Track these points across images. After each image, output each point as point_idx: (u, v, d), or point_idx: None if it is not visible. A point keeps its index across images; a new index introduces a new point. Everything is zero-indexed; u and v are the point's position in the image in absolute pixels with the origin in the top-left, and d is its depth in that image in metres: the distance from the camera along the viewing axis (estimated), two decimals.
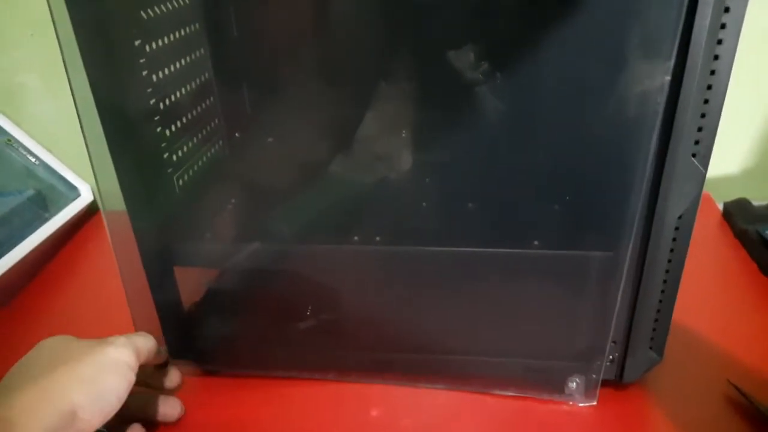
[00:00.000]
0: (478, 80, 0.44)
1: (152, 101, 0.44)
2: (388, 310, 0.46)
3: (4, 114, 0.75)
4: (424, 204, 0.47)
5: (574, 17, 0.39)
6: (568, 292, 0.42)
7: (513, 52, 0.43)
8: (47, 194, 0.74)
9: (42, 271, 0.66)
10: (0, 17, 0.71)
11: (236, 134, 0.55)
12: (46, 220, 0.69)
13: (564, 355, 0.44)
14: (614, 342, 0.42)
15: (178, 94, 0.47)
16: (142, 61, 0.42)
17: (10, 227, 0.65)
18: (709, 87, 0.34)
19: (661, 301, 0.40)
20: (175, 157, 0.47)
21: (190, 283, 0.50)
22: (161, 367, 0.46)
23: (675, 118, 0.34)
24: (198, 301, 0.52)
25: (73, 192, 0.76)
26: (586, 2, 0.38)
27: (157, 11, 0.44)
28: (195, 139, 0.50)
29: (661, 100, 0.34)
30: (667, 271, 0.39)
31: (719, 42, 0.33)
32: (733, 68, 0.33)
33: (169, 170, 0.46)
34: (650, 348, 0.42)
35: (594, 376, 0.43)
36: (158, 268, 0.46)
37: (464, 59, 0.44)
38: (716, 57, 0.33)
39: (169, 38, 0.45)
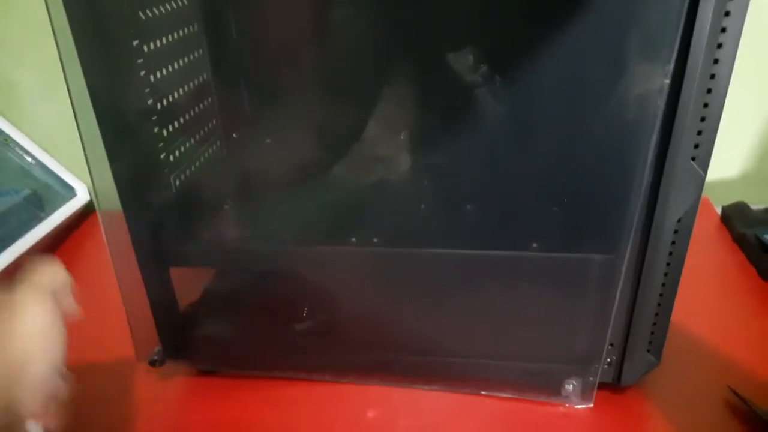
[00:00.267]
0: (477, 83, 0.44)
1: (150, 101, 0.44)
2: (386, 312, 0.46)
3: (2, 114, 0.75)
4: (422, 206, 0.47)
5: (574, 22, 0.39)
6: (567, 295, 0.42)
7: (513, 56, 0.43)
8: (43, 194, 0.73)
9: None
10: None
11: (234, 135, 0.55)
12: (42, 219, 0.69)
13: (561, 357, 0.44)
14: (612, 345, 0.42)
15: (175, 94, 0.47)
16: (139, 61, 0.42)
17: (7, 226, 0.65)
18: (709, 91, 0.34)
19: (659, 305, 0.40)
20: (172, 158, 0.47)
21: (187, 284, 0.50)
22: None
23: (675, 121, 0.34)
24: (194, 301, 0.51)
25: (70, 192, 0.76)
26: (586, 7, 0.38)
27: (156, 12, 0.44)
28: (192, 140, 0.50)
29: (661, 103, 0.34)
30: (665, 275, 0.39)
31: (719, 46, 0.33)
32: (733, 71, 0.33)
33: (166, 170, 0.46)
34: (648, 351, 0.42)
35: (591, 378, 0.43)
36: (154, 268, 0.45)
37: (464, 62, 0.44)
38: (716, 61, 0.33)
39: (167, 39, 0.45)
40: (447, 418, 0.44)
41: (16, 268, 0.61)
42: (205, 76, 0.51)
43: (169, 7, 0.45)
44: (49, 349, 0.35)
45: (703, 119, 0.35)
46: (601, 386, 0.43)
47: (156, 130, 0.45)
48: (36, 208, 0.71)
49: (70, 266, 0.67)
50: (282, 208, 0.48)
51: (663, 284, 0.39)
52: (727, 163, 0.73)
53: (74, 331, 0.56)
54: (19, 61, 0.74)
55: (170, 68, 0.46)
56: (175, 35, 0.46)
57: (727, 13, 0.32)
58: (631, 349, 0.41)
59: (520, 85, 0.44)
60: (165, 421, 0.46)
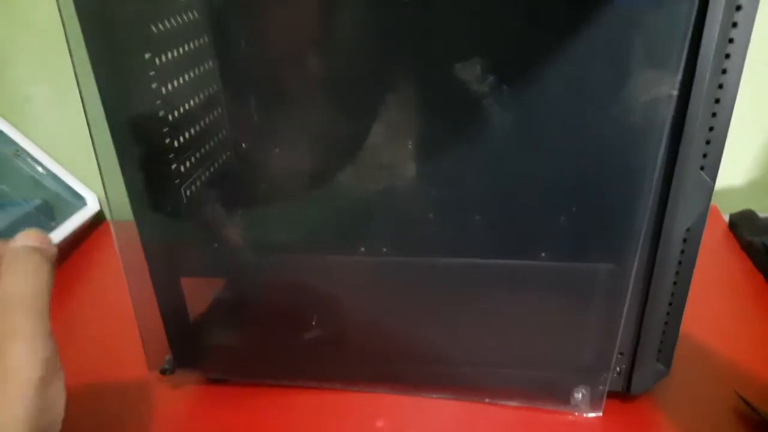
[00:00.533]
0: (484, 93, 0.44)
1: (161, 113, 0.44)
2: (395, 321, 0.46)
3: (13, 125, 0.76)
4: (430, 215, 0.47)
5: (581, 31, 0.39)
6: (575, 304, 0.42)
7: (521, 66, 0.43)
8: (54, 204, 0.74)
9: None
10: (8, 30, 0.72)
11: (243, 145, 0.56)
12: (52, 229, 0.70)
13: (570, 366, 0.44)
14: (621, 354, 0.42)
15: (186, 105, 0.47)
16: (151, 73, 0.43)
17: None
18: (717, 101, 0.34)
19: (668, 314, 0.40)
20: (183, 168, 0.47)
21: (196, 293, 0.50)
22: None
23: (683, 130, 0.35)
24: (204, 310, 0.52)
25: (80, 201, 0.76)
26: (593, 16, 0.38)
27: (167, 25, 0.44)
28: (203, 150, 0.50)
29: (669, 112, 0.35)
30: (674, 284, 0.39)
31: (727, 56, 0.33)
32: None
33: (177, 181, 0.46)
34: (657, 360, 0.42)
35: (600, 387, 0.43)
36: (165, 278, 0.46)
37: (471, 72, 0.45)
38: (724, 71, 0.33)
39: (178, 51, 0.46)
40: (456, 428, 0.44)
41: None
42: (214, 87, 0.52)
43: (180, 20, 0.46)
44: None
45: (711, 129, 0.35)
46: (611, 395, 0.43)
47: (167, 141, 0.45)
48: (47, 217, 0.71)
49: (80, 274, 0.68)
50: (292, 218, 0.48)
51: (672, 293, 0.39)
52: (735, 170, 0.73)
53: (84, 339, 0.57)
54: (30, 75, 0.75)
55: (181, 80, 0.46)
56: (186, 48, 0.47)
57: (735, 24, 0.32)
58: (641, 358, 0.41)
59: (528, 94, 0.44)
60: (174, 429, 0.46)
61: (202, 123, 0.50)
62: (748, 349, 0.49)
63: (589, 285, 0.41)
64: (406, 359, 0.47)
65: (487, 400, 0.46)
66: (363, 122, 0.48)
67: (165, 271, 0.45)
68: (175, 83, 0.46)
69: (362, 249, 0.44)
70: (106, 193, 0.41)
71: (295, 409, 0.46)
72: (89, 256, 0.72)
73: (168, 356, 0.48)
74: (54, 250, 0.34)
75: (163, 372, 0.47)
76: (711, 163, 0.36)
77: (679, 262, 0.38)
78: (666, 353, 0.41)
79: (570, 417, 0.44)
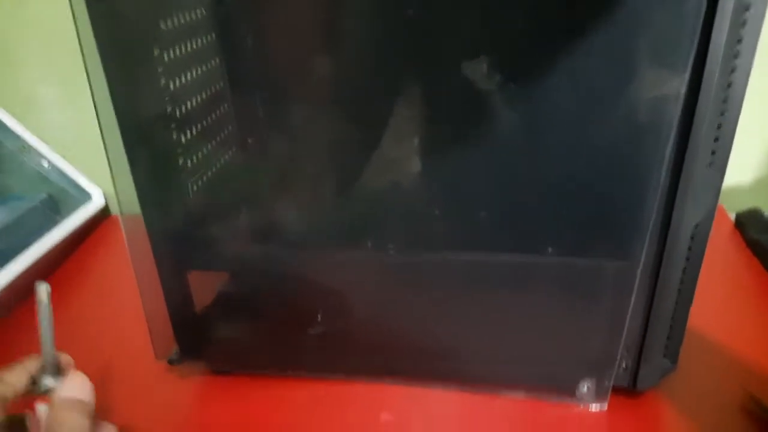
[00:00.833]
0: (491, 90, 0.44)
1: (169, 109, 0.44)
2: (401, 316, 0.46)
3: (19, 120, 0.76)
4: (437, 211, 0.48)
5: (590, 29, 0.39)
6: (582, 299, 0.42)
7: (529, 63, 0.43)
8: (59, 198, 0.74)
9: (54, 274, 0.67)
10: (15, 27, 0.72)
11: (249, 140, 0.56)
12: (58, 223, 0.70)
13: (576, 359, 0.44)
14: (627, 349, 0.42)
15: (193, 101, 0.47)
16: (160, 69, 0.43)
17: (24, 230, 0.66)
18: (726, 99, 0.34)
19: (675, 310, 0.40)
20: (189, 163, 0.47)
21: (202, 285, 0.51)
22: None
23: (692, 128, 0.35)
24: (210, 303, 0.52)
25: (85, 196, 0.77)
26: (602, 17, 0.38)
27: (175, 22, 0.44)
28: (209, 146, 0.50)
29: (677, 109, 0.35)
30: (681, 281, 0.39)
31: (736, 55, 0.33)
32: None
33: (184, 176, 0.47)
34: (664, 356, 0.42)
35: (606, 382, 0.43)
36: (171, 272, 0.46)
37: (477, 70, 0.45)
38: (733, 69, 0.33)
39: (185, 47, 0.46)
40: (461, 419, 0.44)
41: (33, 270, 0.62)
42: (221, 83, 0.52)
43: (188, 17, 0.46)
44: None
45: (719, 126, 0.35)
46: (617, 390, 0.43)
47: (175, 136, 0.45)
48: (52, 211, 0.71)
49: (86, 268, 0.68)
50: (297, 213, 0.48)
51: (679, 290, 0.39)
52: (741, 169, 0.73)
53: (91, 331, 0.57)
54: (36, 71, 0.75)
55: (189, 76, 0.47)
56: (194, 44, 0.47)
57: (743, 23, 0.32)
58: (647, 353, 0.42)
59: (536, 91, 0.45)
60: (180, 420, 0.46)
61: (209, 119, 0.50)
62: (754, 345, 0.49)
63: (595, 280, 0.41)
64: (411, 352, 0.47)
65: (492, 392, 0.46)
66: (370, 119, 0.48)
67: (171, 264, 0.46)
68: (183, 79, 0.46)
69: (369, 244, 0.44)
70: (115, 187, 0.41)
71: (300, 401, 0.47)
72: (94, 250, 0.72)
73: (176, 347, 0.48)
74: (92, 405, 0.37)
75: (171, 362, 0.48)
76: (719, 161, 0.36)
77: (687, 259, 0.38)
78: (672, 349, 0.42)
79: (576, 410, 0.44)
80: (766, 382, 0.45)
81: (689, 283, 0.39)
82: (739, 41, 0.33)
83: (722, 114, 0.35)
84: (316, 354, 0.49)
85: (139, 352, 0.51)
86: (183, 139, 0.47)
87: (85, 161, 0.78)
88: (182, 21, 0.45)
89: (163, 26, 0.43)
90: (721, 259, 0.61)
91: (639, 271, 0.39)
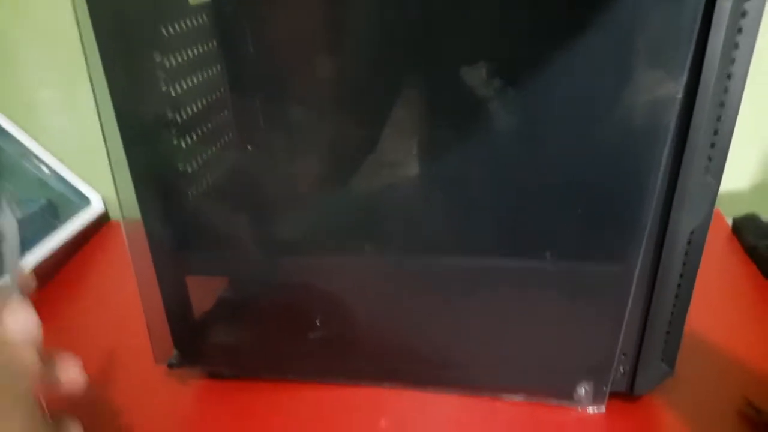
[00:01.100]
0: (489, 95, 0.45)
1: (169, 114, 0.44)
2: (400, 320, 0.46)
3: (19, 126, 0.76)
4: (435, 215, 0.48)
5: (586, 33, 0.39)
6: (579, 303, 0.42)
7: (526, 67, 0.43)
8: (59, 204, 0.74)
9: (53, 279, 0.67)
10: (15, 32, 0.73)
11: (248, 147, 0.56)
12: (57, 228, 0.70)
13: (573, 363, 0.44)
14: (625, 354, 0.42)
15: (194, 107, 0.48)
16: (161, 75, 0.43)
17: (23, 235, 0.65)
18: (722, 104, 0.34)
19: (672, 315, 0.40)
20: (190, 169, 0.47)
21: (202, 289, 0.51)
22: None
23: (688, 134, 0.35)
24: (209, 307, 0.52)
25: (84, 202, 0.77)
26: (599, 22, 0.38)
27: (177, 28, 0.45)
28: (210, 152, 0.50)
29: (674, 115, 0.35)
30: (678, 286, 0.39)
31: (732, 61, 0.33)
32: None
33: (184, 181, 0.47)
34: (662, 361, 0.42)
35: (604, 386, 0.43)
36: (170, 276, 0.46)
37: (476, 75, 0.45)
38: (729, 75, 0.34)
39: (186, 54, 0.46)
40: (460, 423, 0.45)
41: (32, 275, 0.62)
42: (222, 90, 0.52)
43: (189, 24, 0.46)
44: None
45: (716, 132, 0.35)
46: (615, 395, 0.44)
47: (175, 142, 0.46)
48: (52, 217, 0.72)
49: (85, 273, 0.68)
50: (296, 219, 0.48)
51: (676, 295, 0.40)
52: (738, 174, 0.73)
53: (90, 336, 0.57)
54: (36, 77, 0.75)
55: (189, 82, 0.47)
56: (194, 50, 0.47)
57: (740, 30, 0.33)
58: (645, 358, 0.42)
59: (534, 95, 0.45)
60: (179, 424, 0.46)
61: (209, 125, 0.50)
62: (752, 351, 0.49)
63: (592, 285, 0.41)
64: (411, 357, 0.47)
65: (491, 395, 0.46)
66: (369, 123, 0.49)
67: (170, 269, 0.46)
68: (184, 85, 0.46)
69: (367, 248, 0.44)
70: (117, 192, 0.42)
71: (299, 405, 0.47)
72: (93, 256, 0.72)
73: (175, 351, 0.48)
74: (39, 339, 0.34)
75: (171, 366, 0.48)
76: (716, 166, 0.36)
77: (684, 264, 0.39)
78: (670, 354, 0.42)
79: (574, 414, 0.44)
80: (764, 387, 0.45)
81: (686, 288, 0.39)
82: (736, 46, 0.33)
83: (719, 119, 0.35)
84: (316, 359, 0.49)
85: (139, 356, 0.51)
86: (183, 145, 0.47)
87: (83, 166, 0.78)
88: (183, 27, 0.46)
89: (164, 32, 0.43)
90: (718, 264, 0.62)
91: (636, 276, 0.39)
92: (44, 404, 0.33)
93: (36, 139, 0.77)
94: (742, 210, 0.68)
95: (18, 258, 0.36)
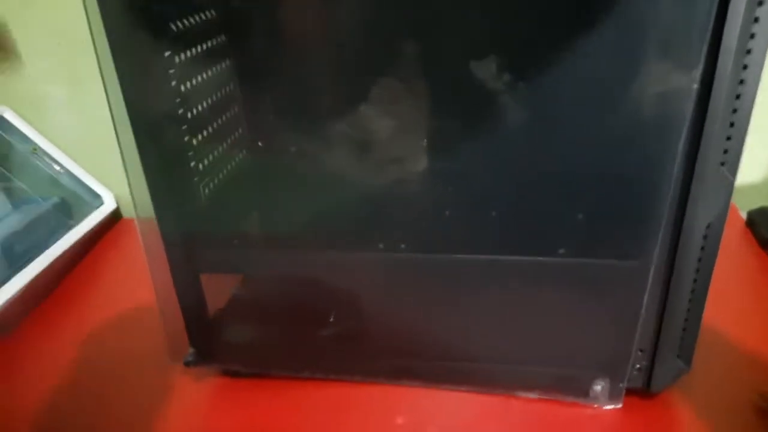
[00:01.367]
0: (500, 89, 0.44)
1: (180, 111, 0.44)
2: (414, 318, 0.46)
3: (30, 123, 0.77)
4: (447, 212, 0.48)
5: (601, 26, 0.39)
6: (594, 299, 0.42)
7: (537, 60, 0.43)
8: (72, 202, 0.75)
9: (66, 277, 0.67)
10: (26, 28, 0.73)
11: (259, 143, 0.56)
12: (71, 227, 0.70)
13: (589, 360, 0.44)
14: (641, 350, 0.42)
15: (204, 104, 0.48)
16: (171, 71, 0.43)
17: (37, 234, 0.66)
18: (738, 96, 0.34)
19: (688, 311, 0.40)
20: (201, 166, 0.48)
21: (217, 287, 0.51)
22: None
23: (704, 126, 0.35)
24: (224, 305, 0.52)
25: (97, 200, 0.77)
26: (614, 14, 0.38)
27: (186, 23, 0.45)
28: (221, 148, 0.51)
29: (689, 108, 0.35)
30: (695, 281, 0.39)
31: (748, 51, 0.33)
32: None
33: (196, 179, 0.47)
34: (678, 357, 0.42)
35: (620, 383, 0.43)
36: (185, 274, 0.46)
37: (486, 69, 0.45)
38: (745, 66, 0.33)
39: (196, 49, 0.46)
40: (475, 421, 0.44)
41: (47, 274, 0.63)
42: (231, 86, 0.52)
43: (198, 19, 0.46)
44: None
45: (732, 125, 0.35)
46: (632, 391, 0.43)
47: (186, 139, 0.46)
48: (65, 215, 0.72)
49: (99, 271, 0.68)
50: (309, 215, 0.48)
51: (692, 290, 0.39)
52: (752, 167, 0.73)
53: (104, 334, 0.58)
54: (47, 74, 0.76)
55: (200, 78, 0.47)
56: (204, 46, 0.47)
57: (756, 19, 0.32)
58: (661, 355, 0.41)
59: (546, 90, 0.45)
60: (194, 422, 0.47)
61: (219, 121, 0.50)
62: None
63: (607, 281, 0.41)
64: (425, 355, 0.47)
65: (507, 392, 0.46)
66: (380, 120, 0.49)
67: (184, 267, 0.46)
68: (194, 81, 0.46)
69: (380, 245, 0.44)
70: (131, 191, 0.42)
71: (315, 403, 0.47)
72: (106, 254, 0.73)
73: (191, 349, 0.48)
74: None
75: (187, 364, 0.48)
76: (731, 159, 0.36)
77: (699, 259, 0.38)
78: (686, 350, 0.41)
79: (590, 411, 0.44)
80: None
81: (702, 283, 0.39)
82: (752, 36, 0.33)
83: (734, 112, 0.34)
84: (331, 356, 0.49)
85: (153, 354, 0.51)
86: (195, 142, 0.47)
87: (95, 163, 0.79)
88: (193, 21, 0.46)
89: (174, 27, 0.43)
90: (733, 257, 0.61)
91: (651, 271, 0.39)
92: None
93: (47, 136, 0.78)
94: (756, 203, 0.67)
95: None
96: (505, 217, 0.45)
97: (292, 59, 0.52)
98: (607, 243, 0.41)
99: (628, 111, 0.39)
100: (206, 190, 0.48)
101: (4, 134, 0.75)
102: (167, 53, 0.43)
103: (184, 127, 0.45)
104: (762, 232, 0.63)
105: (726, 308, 0.52)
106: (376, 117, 0.49)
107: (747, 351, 0.48)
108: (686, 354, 0.41)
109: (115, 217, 0.79)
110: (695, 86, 0.34)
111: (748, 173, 0.73)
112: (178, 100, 0.44)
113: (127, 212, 0.80)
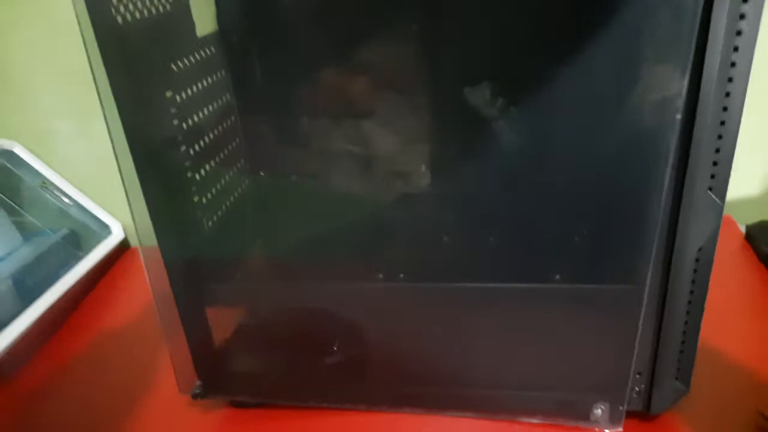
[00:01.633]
0: (494, 115, 0.45)
1: (183, 148, 0.46)
2: (416, 346, 0.47)
3: (39, 157, 0.78)
4: (445, 238, 0.48)
5: (584, 54, 0.40)
6: (591, 324, 0.43)
7: (530, 88, 0.44)
8: (81, 233, 0.76)
9: (76, 308, 0.68)
10: (32, 64, 0.75)
11: (261, 174, 0.57)
12: (80, 258, 0.71)
13: (588, 384, 0.44)
14: (639, 374, 0.42)
15: (206, 139, 0.49)
16: (172, 110, 0.44)
17: (47, 266, 0.67)
18: (722, 123, 0.35)
19: (684, 333, 0.40)
20: (204, 200, 0.49)
21: (222, 318, 0.52)
22: None
23: (689, 152, 0.35)
24: (230, 336, 0.53)
25: (105, 230, 0.79)
26: (598, 38, 0.39)
27: (186, 63, 0.46)
28: (223, 181, 0.52)
29: (674, 137, 0.35)
30: (689, 302, 0.39)
31: (730, 80, 0.34)
32: (748, 93, 0.34)
33: (199, 213, 0.48)
34: (676, 379, 0.42)
35: (620, 406, 0.43)
36: (190, 306, 0.47)
37: (480, 96, 0.45)
38: (728, 94, 0.34)
39: (197, 87, 0.48)
40: None
41: (57, 306, 0.64)
42: (232, 119, 0.54)
43: (197, 57, 0.48)
44: None
45: (717, 150, 0.35)
46: (632, 414, 0.44)
47: (189, 174, 0.47)
48: (74, 247, 0.73)
49: (108, 301, 0.69)
50: (310, 246, 0.49)
51: (687, 312, 0.40)
52: (750, 181, 0.73)
53: (114, 364, 0.59)
54: (55, 109, 0.77)
55: (200, 114, 0.48)
56: (204, 83, 0.49)
57: (736, 49, 0.33)
58: (659, 377, 0.42)
59: (537, 116, 0.45)
60: None
61: (221, 155, 0.51)
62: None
63: (602, 306, 0.41)
64: (428, 381, 0.47)
65: (509, 417, 0.46)
66: (379, 147, 0.50)
67: (189, 299, 0.47)
68: (195, 118, 0.47)
69: (380, 276, 0.45)
70: (135, 223, 0.42)
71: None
72: (115, 284, 0.74)
73: (199, 381, 0.49)
74: None
75: (195, 396, 0.49)
76: (719, 184, 0.36)
77: (693, 281, 0.39)
78: (684, 372, 0.42)
79: None
80: None
81: (697, 305, 0.39)
82: (733, 65, 0.33)
83: (720, 138, 0.35)
84: (336, 385, 0.49)
85: (163, 385, 0.52)
86: (197, 177, 0.48)
87: (102, 194, 0.80)
88: (192, 60, 0.47)
89: (173, 66, 0.45)
90: (732, 271, 0.61)
91: (645, 295, 0.39)
92: None
93: (56, 169, 0.79)
94: (755, 217, 0.67)
95: None
96: (502, 245, 0.46)
97: (290, 92, 0.53)
98: (601, 268, 0.41)
99: (615, 141, 0.40)
100: (210, 223, 0.49)
101: (14, 168, 0.76)
102: (168, 91, 0.44)
103: (187, 162, 0.46)
104: (761, 247, 0.63)
105: (726, 324, 0.52)
106: (377, 146, 0.50)
107: (748, 368, 0.48)
108: (685, 376, 0.42)
109: (123, 246, 0.80)
110: (678, 116, 0.35)
111: (746, 187, 0.73)
112: (180, 137, 0.45)
113: (136, 241, 0.82)
